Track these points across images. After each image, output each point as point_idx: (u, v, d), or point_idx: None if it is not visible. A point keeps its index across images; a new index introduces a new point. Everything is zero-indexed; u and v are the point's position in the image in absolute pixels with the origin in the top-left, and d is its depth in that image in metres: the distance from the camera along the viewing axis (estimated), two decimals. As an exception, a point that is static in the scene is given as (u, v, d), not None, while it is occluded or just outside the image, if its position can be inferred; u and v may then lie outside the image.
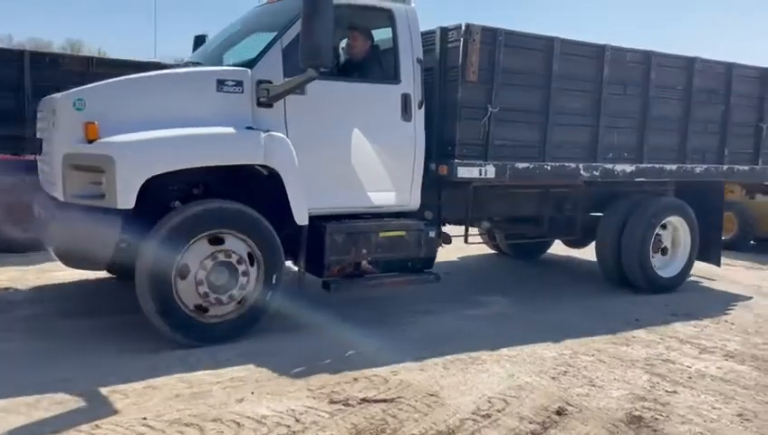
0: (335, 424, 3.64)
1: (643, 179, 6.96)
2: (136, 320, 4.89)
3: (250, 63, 4.99)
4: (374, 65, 5.72)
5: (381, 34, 5.83)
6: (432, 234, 5.74)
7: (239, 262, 4.81)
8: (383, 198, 5.58)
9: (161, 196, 4.93)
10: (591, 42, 6.40)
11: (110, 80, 4.72)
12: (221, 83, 4.82)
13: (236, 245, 4.81)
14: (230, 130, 4.73)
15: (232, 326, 4.89)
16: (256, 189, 5.09)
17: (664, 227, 7.35)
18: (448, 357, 4.79)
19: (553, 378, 4.54)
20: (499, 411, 3.94)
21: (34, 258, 7.25)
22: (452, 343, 5.12)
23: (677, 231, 7.47)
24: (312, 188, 5.10)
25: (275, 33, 5.12)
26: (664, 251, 7.42)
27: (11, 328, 5.11)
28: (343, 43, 6.08)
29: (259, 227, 4.87)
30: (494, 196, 6.55)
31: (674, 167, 7.12)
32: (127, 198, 4.37)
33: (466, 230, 6.44)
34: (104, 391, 3.95)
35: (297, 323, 5.41)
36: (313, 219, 5.18)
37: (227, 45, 5.69)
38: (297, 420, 3.66)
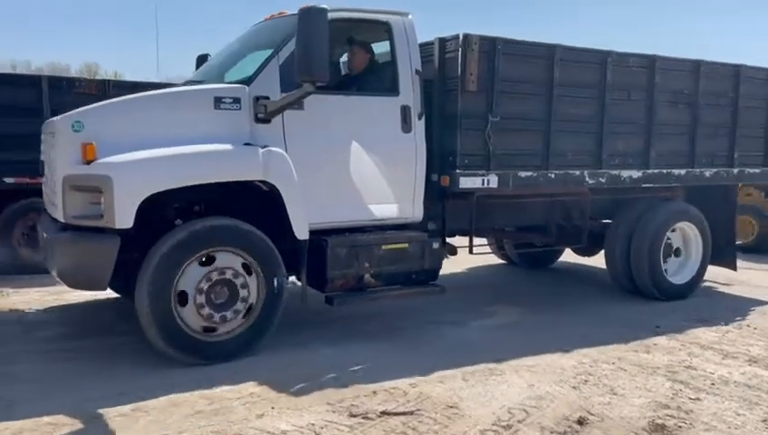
0: (355, 438, 3.62)
1: (650, 185, 6.87)
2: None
3: (248, 81, 5.02)
4: (373, 78, 5.72)
5: (382, 48, 5.83)
6: (436, 245, 5.70)
7: (235, 276, 4.80)
8: (385, 210, 5.56)
9: (164, 214, 4.97)
10: (594, 48, 6.34)
11: (109, 101, 4.78)
12: (218, 101, 4.85)
13: (228, 260, 4.80)
14: (228, 146, 4.75)
15: (242, 340, 4.90)
16: (257, 205, 5.10)
17: (674, 232, 7.24)
18: (467, 368, 4.79)
19: (574, 387, 4.52)
20: (520, 422, 3.93)
21: (53, 280, 7.29)
22: (469, 354, 5.11)
23: (688, 237, 7.36)
24: (312, 203, 5.09)
25: (272, 50, 5.13)
26: (676, 256, 7.30)
27: (29, 350, 5.15)
28: (344, 58, 6.09)
29: (251, 239, 4.86)
30: (499, 205, 6.50)
31: (682, 172, 7.02)
32: (125, 218, 4.39)
33: (471, 241, 6.38)
34: (126, 409, 3.98)
35: (311, 336, 5.48)
36: (315, 233, 5.17)
37: (227, 63, 5.72)
38: (317, 435, 3.64)
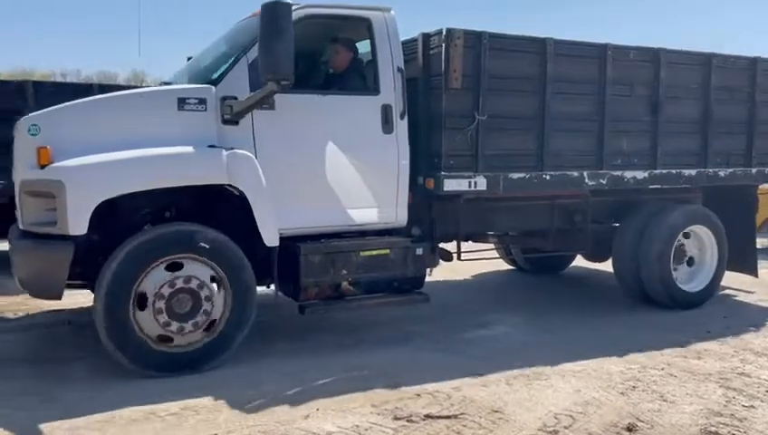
0: (399, 441, 3.64)
1: (658, 186, 6.46)
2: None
3: (215, 81, 4.83)
4: (354, 77, 5.48)
5: (366, 46, 5.59)
6: (420, 251, 5.41)
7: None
8: (366, 215, 5.30)
9: (133, 220, 4.80)
10: (590, 41, 5.99)
11: (67, 103, 4.62)
12: (182, 102, 4.67)
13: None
14: (189, 149, 4.56)
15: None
16: (229, 210, 4.90)
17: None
18: (511, 373, 4.74)
19: (622, 393, 4.41)
20: (566, 428, 3.86)
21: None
22: (513, 358, 5.05)
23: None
24: (286, 207, 4.89)
25: (242, 49, 4.94)
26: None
27: (80, 350, 5.13)
28: (325, 57, 5.87)
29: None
30: (492, 209, 6.18)
31: (693, 172, 6.59)
32: (79, 224, 4.24)
33: (458, 246, 6.06)
34: (175, 407, 4.04)
35: (351, 339, 5.51)
36: (289, 240, 4.96)
37: (204, 63, 5.53)
38: (361, 437, 3.67)
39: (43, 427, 3.75)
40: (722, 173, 6.75)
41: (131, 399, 4.13)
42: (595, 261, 7.93)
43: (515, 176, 5.68)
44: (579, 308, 6.78)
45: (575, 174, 5.96)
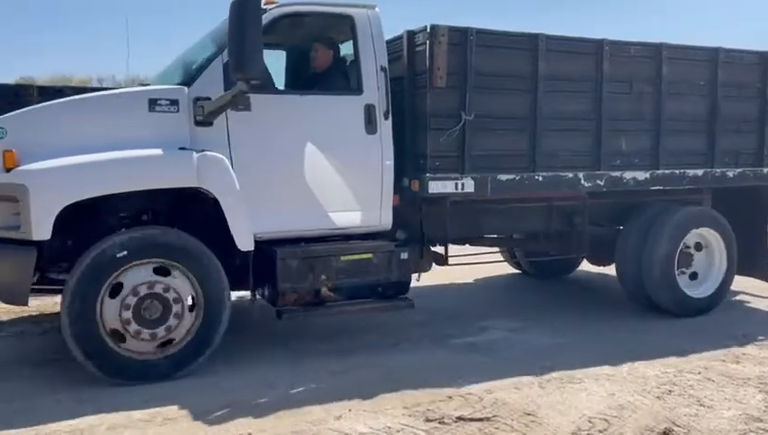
0: (431, 443, 3.63)
1: (660, 188, 6.18)
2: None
3: (188, 81, 4.72)
4: (336, 76, 5.35)
5: (348, 44, 5.44)
6: (404, 255, 5.24)
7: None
8: (348, 218, 5.15)
9: (111, 223, 4.72)
10: (585, 37, 5.75)
11: (36, 105, 4.56)
12: (153, 103, 4.56)
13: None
14: (158, 151, 4.45)
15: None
16: (206, 214, 4.78)
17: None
18: (543, 376, 4.70)
19: (657, 397, 4.35)
20: (600, 432, 3.83)
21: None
22: (544, 360, 5.01)
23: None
24: (263, 211, 4.77)
25: (217, 49, 4.82)
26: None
27: None
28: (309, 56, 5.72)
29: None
30: (485, 211, 5.96)
31: (699, 172, 6.30)
32: (42, 229, 4.15)
33: (446, 250, 5.86)
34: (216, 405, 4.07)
35: (381, 340, 5.53)
36: (267, 244, 4.83)
37: (181, 63, 5.43)
38: (393, 438, 3.69)
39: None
40: (730, 173, 6.45)
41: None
42: (599, 265, 7.64)
43: (505, 177, 5.46)
44: (603, 311, 6.60)
45: (570, 175, 5.72)
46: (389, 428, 3.82)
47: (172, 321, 4.50)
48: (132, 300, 4.42)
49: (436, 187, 5.23)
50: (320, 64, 5.43)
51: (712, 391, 4.46)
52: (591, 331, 5.89)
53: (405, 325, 5.91)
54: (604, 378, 4.66)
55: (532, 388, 4.47)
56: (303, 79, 5.65)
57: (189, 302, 4.58)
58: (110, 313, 4.38)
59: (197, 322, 4.59)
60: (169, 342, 4.54)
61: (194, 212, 4.86)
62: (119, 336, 4.42)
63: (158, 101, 4.57)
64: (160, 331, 4.46)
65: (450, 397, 4.28)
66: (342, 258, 5.01)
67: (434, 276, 6.34)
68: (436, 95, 5.17)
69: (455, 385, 4.46)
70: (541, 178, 5.59)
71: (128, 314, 4.40)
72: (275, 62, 5.94)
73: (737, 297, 7.16)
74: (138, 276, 4.46)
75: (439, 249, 5.97)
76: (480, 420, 3.94)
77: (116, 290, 4.40)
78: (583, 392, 4.40)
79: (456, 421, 3.91)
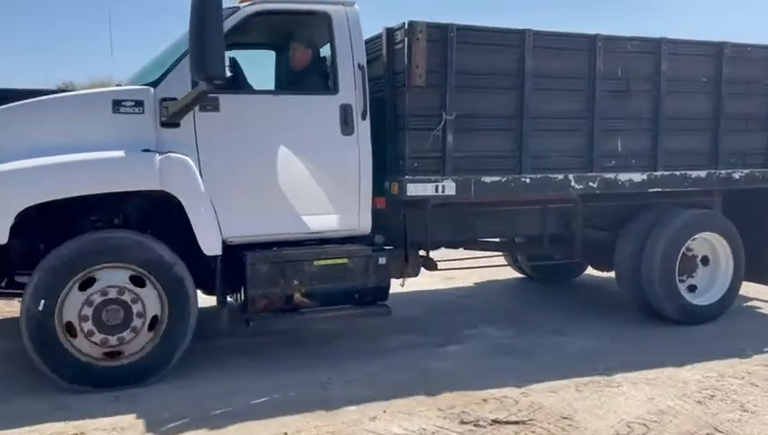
0: (464, 445, 3.65)
1: (659, 190, 5.88)
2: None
3: (155, 82, 4.61)
4: (313, 76, 5.19)
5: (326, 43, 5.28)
6: (382, 260, 5.06)
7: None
8: (324, 222, 4.99)
9: (83, 226, 4.64)
10: (576, 32, 5.49)
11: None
12: (117, 104, 4.46)
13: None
14: (119, 154, 4.35)
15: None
16: (176, 217, 4.68)
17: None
18: (580, 379, 4.64)
19: (699, 402, 4.29)
20: None
21: None
22: (578, 364, 4.97)
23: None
24: (234, 214, 4.65)
25: (186, 48, 4.70)
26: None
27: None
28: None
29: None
30: (476, 214, 5.77)
31: (702, 174, 5.98)
32: None
33: (427, 253, 5.67)
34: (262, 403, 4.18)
35: (417, 341, 5.55)
36: (240, 248, 4.71)
37: (153, 63, 5.33)
38: (427, 440, 3.70)
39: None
40: (737, 175, 6.11)
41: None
42: (601, 270, 7.33)
43: (489, 179, 5.24)
44: (638, 315, 6.32)
45: (559, 177, 5.46)
46: (424, 429, 3.82)
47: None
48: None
49: (414, 189, 5.04)
50: (298, 64, 5.28)
51: (756, 396, 4.37)
52: (628, 334, 5.78)
53: (438, 327, 5.97)
54: (643, 382, 4.59)
55: (569, 391, 4.42)
56: (284, 79, 5.52)
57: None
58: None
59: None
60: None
61: (166, 216, 4.75)
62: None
63: (123, 102, 4.47)
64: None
65: (485, 400, 4.26)
66: (316, 263, 4.86)
67: (466, 279, 6.69)
68: (415, 94, 4.99)
69: (489, 388, 4.43)
70: (528, 181, 5.36)
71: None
72: (256, 62, 5.86)
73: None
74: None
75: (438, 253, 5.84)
76: (516, 423, 3.91)
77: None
78: (621, 396, 4.34)
79: (491, 424, 3.89)
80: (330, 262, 4.90)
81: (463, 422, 3.91)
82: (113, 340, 4.36)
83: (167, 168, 4.40)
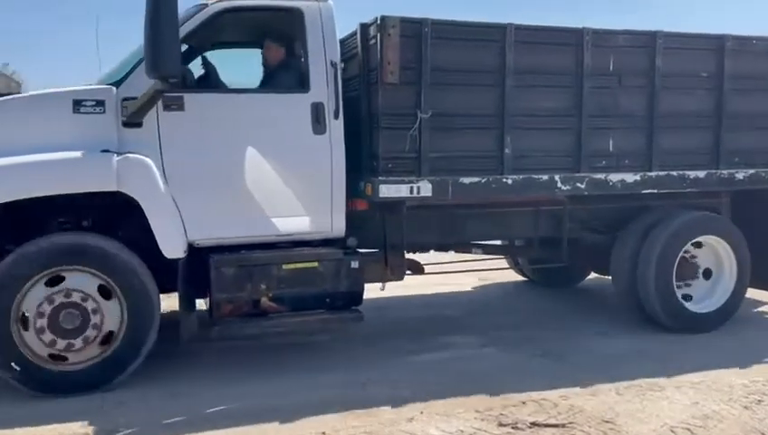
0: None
1: (655, 191, 5.59)
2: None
3: (118, 81, 4.53)
4: (284, 74, 5.03)
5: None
6: (355, 264, 4.89)
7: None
8: (295, 224, 4.84)
9: (49, 229, 4.59)
10: (563, 26, 5.24)
11: None
12: (78, 104, 4.39)
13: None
14: (76, 154, 4.27)
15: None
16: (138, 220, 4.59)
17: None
18: (622, 383, 4.57)
19: (745, 407, 4.21)
20: None
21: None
22: (623, 367, 4.89)
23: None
24: (199, 216, 4.55)
25: (151, 47, 4.61)
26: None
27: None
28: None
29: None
30: (463, 217, 5.57)
31: (702, 174, 5.66)
32: None
33: (402, 257, 5.45)
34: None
35: (452, 342, 5.54)
36: (202, 251, 4.60)
37: (120, 63, 5.25)
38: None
39: None
40: (740, 175, 5.78)
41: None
42: (601, 274, 7.03)
43: (468, 180, 5.03)
44: None
45: (544, 178, 5.22)
46: (462, 431, 3.80)
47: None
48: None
49: (388, 191, 4.86)
50: (271, 62, 5.16)
51: (806, 402, 4.24)
52: (669, 336, 5.62)
53: (475, 328, 5.94)
54: (687, 386, 4.51)
55: (610, 395, 4.35)
56: (257, 77, 5.38)
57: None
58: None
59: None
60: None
61: (133, 218, 4.67)
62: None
63: (83, 102, 4.40)
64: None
65: (524, 402, 4.22)
66: (284, 267, 4.72)
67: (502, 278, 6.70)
68: (388, 92, 4.81)
69: (528, 390, 4.39)
70: (510, 182, 5.13)
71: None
72: (244, 62, 5.75)
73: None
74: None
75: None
76: (555, 426, 3.85)
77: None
78: (664, 401, 4.27)
79: (530, 427, 3.85)
80: (299, 265, 4.76)
81: (501, 425, 3.87)
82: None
83: (124, 168, 4.31)
